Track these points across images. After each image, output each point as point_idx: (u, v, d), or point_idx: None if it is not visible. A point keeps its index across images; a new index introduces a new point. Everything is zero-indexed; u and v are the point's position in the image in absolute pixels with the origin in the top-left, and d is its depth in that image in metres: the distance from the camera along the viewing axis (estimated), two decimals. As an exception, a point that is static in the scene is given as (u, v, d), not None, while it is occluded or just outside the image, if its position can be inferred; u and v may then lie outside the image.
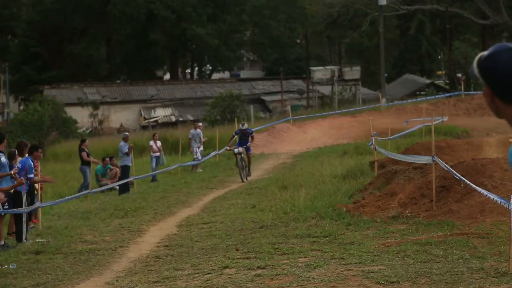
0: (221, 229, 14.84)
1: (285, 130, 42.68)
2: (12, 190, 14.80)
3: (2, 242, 14.51)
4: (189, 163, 29.81)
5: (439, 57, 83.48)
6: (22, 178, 14.40)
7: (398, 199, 14.46)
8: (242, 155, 24.73)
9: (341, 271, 10.07)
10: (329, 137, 39.98)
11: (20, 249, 14.16)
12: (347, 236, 12.66)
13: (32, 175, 15.52)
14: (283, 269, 10.46)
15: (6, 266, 12.77)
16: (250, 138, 25.34)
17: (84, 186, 24.35)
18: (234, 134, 25.68)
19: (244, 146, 24.96)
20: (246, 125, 25.65)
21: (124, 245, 14.25)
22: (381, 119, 39.20)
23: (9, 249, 14.26)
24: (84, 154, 24.78)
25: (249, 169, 25.47)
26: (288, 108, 52.08)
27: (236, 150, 24.66)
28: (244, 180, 24.31)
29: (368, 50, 76.98)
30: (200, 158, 29.87)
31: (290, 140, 40.14)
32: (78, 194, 22.00)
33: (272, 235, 13.39)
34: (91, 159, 25.01)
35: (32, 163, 15.73)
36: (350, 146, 31.73)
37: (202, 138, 30.63)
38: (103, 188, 24.23)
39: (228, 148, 25.77)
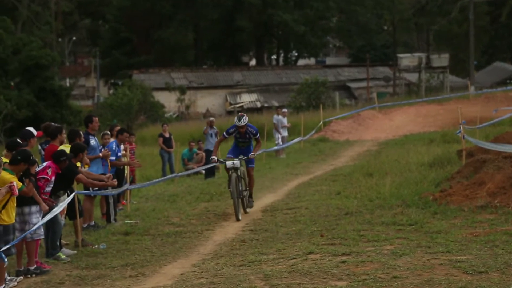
0: (306, 215, 14.88)
1: (371, 117, 42.33)
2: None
3: (93, 223, 14.88)
4: (274, 148, 29.90)
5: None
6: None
7: (487, 189, 14.20)
8: (239, 173, 15.44)
9: (428, 259, 9.99)
10: (416, 125, 39.47)
11: (109, 230, 14.52)
12: (433, 225, 12.53)
13: (113, 158, 15.72)
14: (368, 256, 10.44)
15: (96, 246, 13.13)
16: (255, 143, 16.22)
17: (163, 169, 24.70)
18: (225, 134, 15.85)
19: (244, 157, 15.60)
20: (245, 119, 15.47)
21: (210, 228, 14.45)
22: (469, 107, 38.46)
23: (100, 229, 14.63)
24: (160, 140, 25.08)
25: (250, 196, 16.01)
26: (374, 95, 51.62)
27: (229, 164, 15.26)
28: (240, 218, 15.05)
29: (457, 37, 75.45)
30: (281, 144, 29.94)
31: (376, 128, 39.80)
32: (165, 177, 22.35)
33: (357, 222, 13.36)
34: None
35: (115, 146, 15.92)
36: (437, 134, 31.26)
37: (286, 124, 30.66)
38: (189, 172, 24.54)
39: (215, 158, 15.87)
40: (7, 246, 10.18)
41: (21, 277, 11.18)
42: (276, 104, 55.98)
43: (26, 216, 11.37)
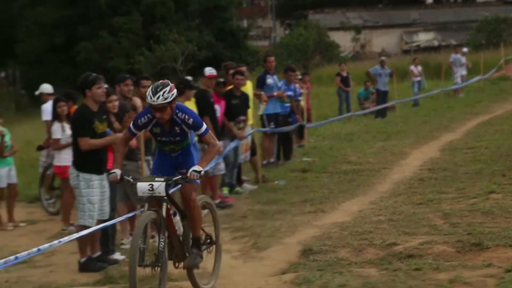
0: (486, 155, 14.55)
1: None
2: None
3: (272, 160, 15.26)
4: (452, 87, 29.25)
5: None
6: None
7: None
8: (164, 210, 7.14)
9: None
10: None
11: (288, 167, 14.87)
12: None
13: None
14: (555, 196, 10.13)
15: (276, 182, 13.50)
16: (208, 145, 7.39)
17: (339, 108, 24.71)
18: (131, 128, 7.34)
19: (178, 177, 7.14)
20: (168, 93, 7.02)
21: (387, 167, 14.45)
22: None
23: (279, 166, 15.01)
24: (337, 79, 25.03)
25: (195, 243, 7.50)
26: None
27: (141, 188, 7.03)
28: None
29: None
30: (460, 83, 29.22)
31: None
32: (342, 116, 22.56)
33: (542, 162, 12.94)
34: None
35: (281, 85, 15.91)
36: None
37: (465, 62, 29.86)
38: (365, 111, 24.53)
39: (116, 173, 7.19)
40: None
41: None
42: (454, 42, 54.38)
43: (206, 152, 11.85)
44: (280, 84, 15.83)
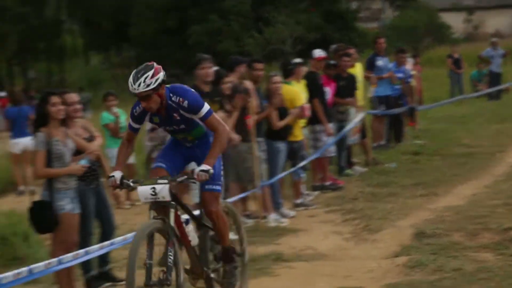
0: None
1: None
2: None
3: (383, 142, 15.15)
4: None
5: None
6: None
7: None
8: (171, 220, 5.98)
9: None
10: None
11: (399, 149, 14.73)
12: None
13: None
14: None
15: (387, 164, 13.40)
16: (215, 132, 6.17)
17: (451, 91, 24.23)
18: (131, 123, 6.27)
19: (182, 177, 6.08)
20: (149, 78, 5.94)
21: (503, 150, 14.16)
22: None
23: (390, 149, 14.89)
24: (449, 61, 24.55)
25: (227, 259, 6.52)
26: None
27: (143, 192, 5.97)
28: None
29: None
30: None
31: None
32: (454, 98, 22.18)
33: None
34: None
35: (391, 66, 15.77)
36: None
37: None
38: (478, 93, 23.96)
39: (115, 176, 6.08)
40: (304, 163, 10.77)
41: (318, 192, 11.75)
42: None
43: (316, 134, 11.91)
44: (390, 66, 15.68)
